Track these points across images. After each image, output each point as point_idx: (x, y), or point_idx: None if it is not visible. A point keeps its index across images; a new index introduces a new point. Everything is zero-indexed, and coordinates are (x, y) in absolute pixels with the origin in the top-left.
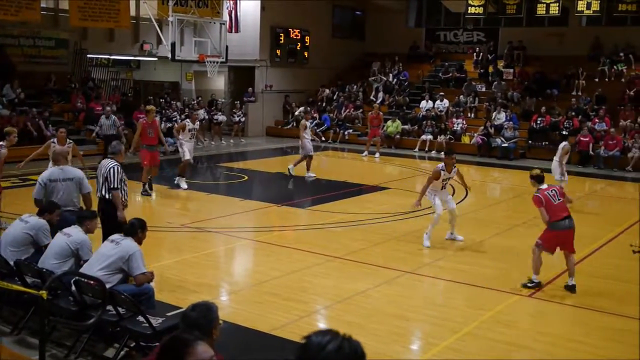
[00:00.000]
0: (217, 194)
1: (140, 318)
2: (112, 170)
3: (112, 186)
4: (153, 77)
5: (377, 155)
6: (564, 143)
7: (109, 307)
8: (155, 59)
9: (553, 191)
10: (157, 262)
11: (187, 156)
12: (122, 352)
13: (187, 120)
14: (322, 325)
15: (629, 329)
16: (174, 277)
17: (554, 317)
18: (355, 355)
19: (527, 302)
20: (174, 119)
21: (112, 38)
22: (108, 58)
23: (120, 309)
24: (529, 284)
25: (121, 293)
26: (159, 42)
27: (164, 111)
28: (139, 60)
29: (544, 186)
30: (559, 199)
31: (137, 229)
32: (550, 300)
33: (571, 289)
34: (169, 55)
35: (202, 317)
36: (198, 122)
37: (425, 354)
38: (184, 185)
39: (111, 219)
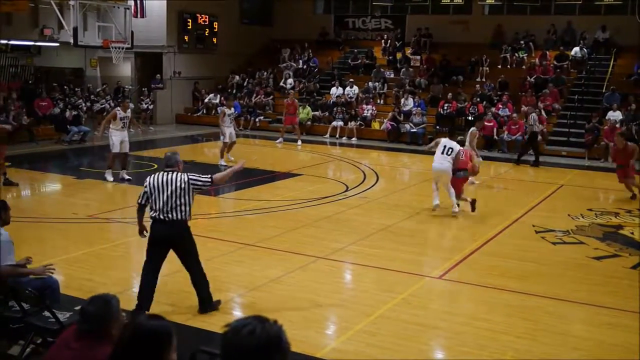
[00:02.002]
0: (126, 183)
1: (47, 313)
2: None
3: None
4: (55, 64)
5: (299, 143)
6: (472, 128)
7: (12, 303)
8: (57, 44)
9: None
10: (65, 255)
11: (116, 149)
12: (28, 350)
13: (118, 108)
14: (236, 313)
15: (529, 305)
16: (83, 269)
17: (461, 298)
18: (268, 338)
19: (437, 284)
20: (79, 106)
21: (9, 22)
22: (6, 43)
23: (24, 305)
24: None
25: (25, 287)
26: (61, 27)
27: (67, 98)
28: (39, 45)
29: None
30: (462, 158)
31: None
32: (457, 281)
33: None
34: (72, 41)
35: (99, 310)
36: (130, 111)
37: (339, 338)
38: (109, 177)
39: (189, 244)
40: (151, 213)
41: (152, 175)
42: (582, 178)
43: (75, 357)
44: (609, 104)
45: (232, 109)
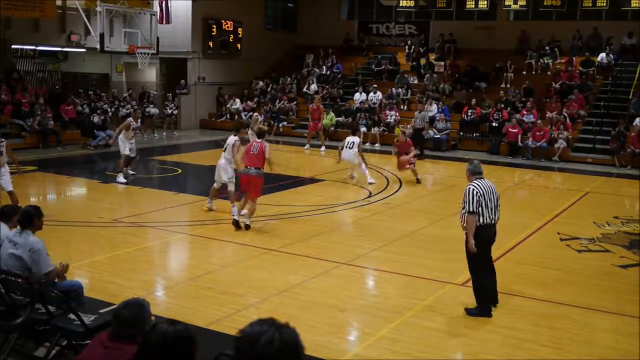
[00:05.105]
0: (150, 187)
1: (72, 316)
2: (467, 190)
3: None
4: (82, 69)
5: (322, 148)
6: (234, 138)
7: (39, 305)
8: (84, 50)
9: (257, 145)
10: (90, 258)
11: (127, 152)
12: (54, 351)
13: (130, 119)
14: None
15: (554, 313)
16: (107, 272)
17: None
18: (287, 346)
19: (460, 291)
20: (105, 111)
21: (37, 28)
22: (34, 49)
23: (50, 307)
24: None
25: (51, 290)
26: (87, 32)
27: (93, 104)
28: (66, 51)
29: (258, 140)
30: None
31: (33, 218)
32: None
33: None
34: (98, 47)
35: (135, 315)
36: (139, 120)
37: (362, 344)
38: (121, 179)
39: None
40: (481, 219)
41: (476, 184)
42: (608, 185)
43: (109, 355)
44: (636, 110)
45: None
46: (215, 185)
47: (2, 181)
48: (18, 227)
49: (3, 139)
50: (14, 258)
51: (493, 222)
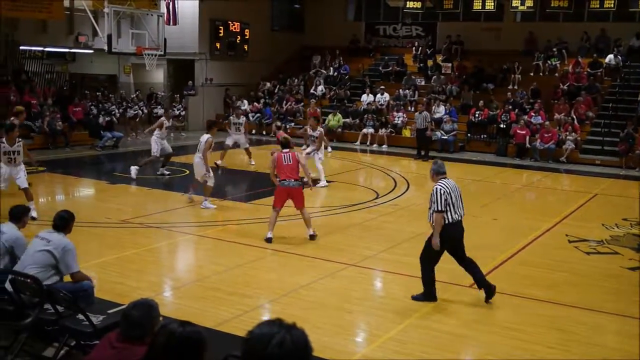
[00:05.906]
0: (158, 188)
1: (81, 316)
2: (434, 191)
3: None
4: (90, 70)
5: (329, 149)
6: (207, 136)
7: (48, 306)
8: (92, 51)
9: (288, 155)
10: (98, 259)
11: (157, 154)
12: (62, 352)
13: (164, 118)
14: (266, 319)
15: (561, 315)
16: (115, 273)
17: (492, 307)
18: (297, 348)
19: (467, 292)
20: (112, 112)
21: (45, 30)
22: (42, 50)
23: (59, 307)
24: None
25: (60, 290)
26: (95, 34)
27: (100, 105)
28: (74, 52)
29: (285, 150)
30: (289, 164)
31: (69, 222)
32: None
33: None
34: (106, 48)
35: (144, 315)
36: (172, 119)
37: (369, 346)
38: (134, 173)
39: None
40: (448, 217)
41: (443, 184)
42: (616, 187)
43: (117, 355)
44: None
45: (242, 117)
46: (208, 183)
47: (18, 180)
48: (52, 229)
49: (20, 139)
50: (46, 254)
51: (460, 218)
